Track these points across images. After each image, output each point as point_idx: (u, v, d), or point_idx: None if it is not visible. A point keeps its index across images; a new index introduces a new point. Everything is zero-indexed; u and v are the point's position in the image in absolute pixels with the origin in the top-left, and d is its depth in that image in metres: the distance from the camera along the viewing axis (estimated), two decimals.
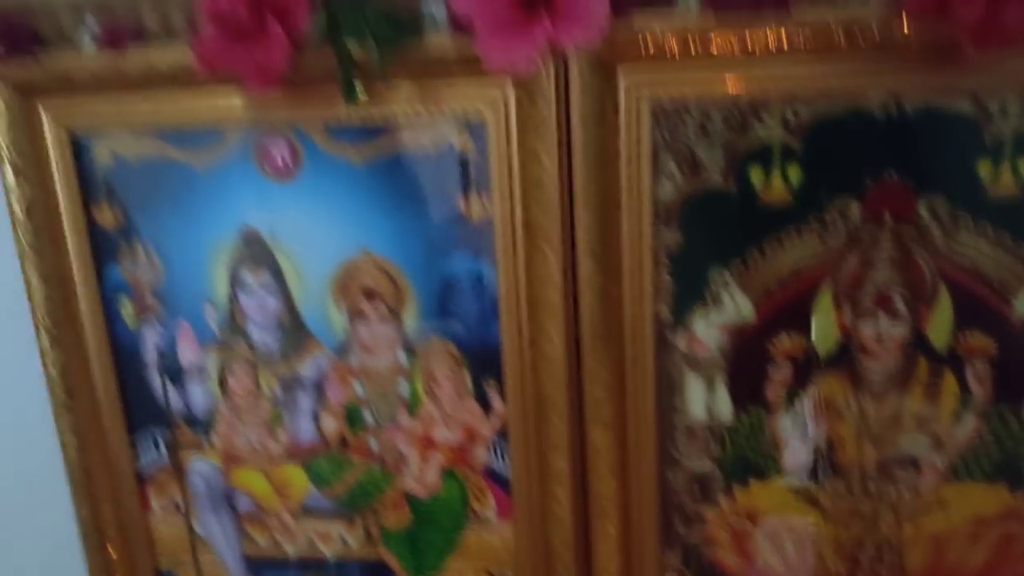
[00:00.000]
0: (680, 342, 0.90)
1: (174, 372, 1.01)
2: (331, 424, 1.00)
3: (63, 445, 1.03)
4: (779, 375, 0.90)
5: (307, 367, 0.98)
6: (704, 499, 0.95)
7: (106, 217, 0.97)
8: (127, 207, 0.96)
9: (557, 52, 0.79)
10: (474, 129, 0.87)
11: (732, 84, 0.82)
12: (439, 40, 0.83)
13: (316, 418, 1.00)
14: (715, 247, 0.87)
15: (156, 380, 1.02)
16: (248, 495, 1.04)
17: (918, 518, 0.92)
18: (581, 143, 0.84)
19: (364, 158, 0.90)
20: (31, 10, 0.89)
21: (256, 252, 0.95)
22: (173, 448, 1.04)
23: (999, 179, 0.82)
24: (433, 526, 1.01)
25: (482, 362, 0.94)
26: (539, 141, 0.85)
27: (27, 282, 0.97)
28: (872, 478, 0.92)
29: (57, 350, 1.00)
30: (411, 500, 1.01)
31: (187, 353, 1.00)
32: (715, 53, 0.80)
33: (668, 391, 0.92)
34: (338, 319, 0.96)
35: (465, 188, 0.89)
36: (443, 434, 0.98)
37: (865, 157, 0.83)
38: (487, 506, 0.99)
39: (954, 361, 0.87)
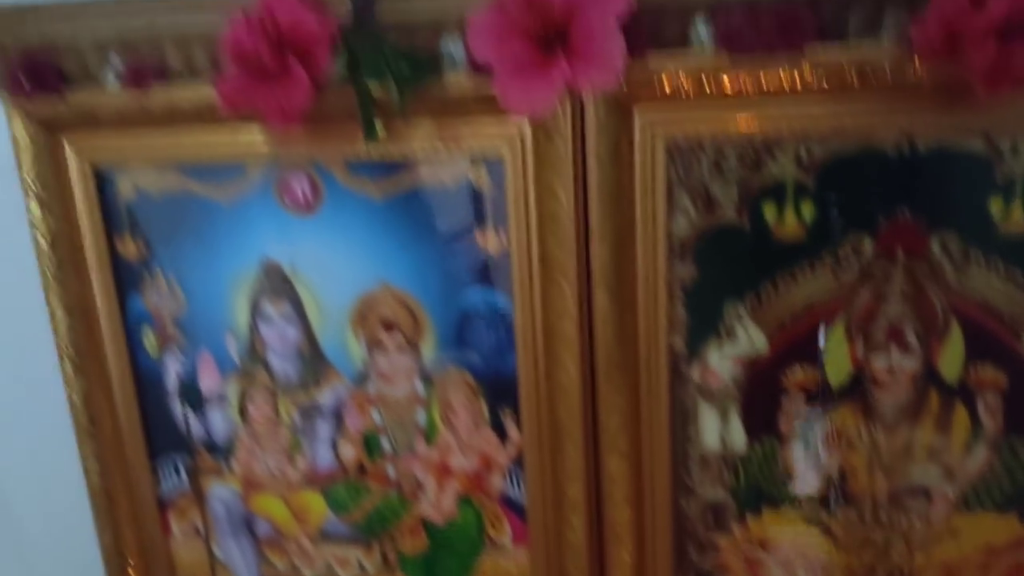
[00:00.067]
0: (694, 373, 0.92)
1: (195, 400, 1.02)
2: (349, 451, 1.01)
3: (86, 471, 1.05)
4: (792, 406, 0.91)
5: (326, 395, 1.00)
6: (717, 527, 0.96)
7: (129, 249, 0.98)
8: (150, 239, 0.98)
9: (574, 92, 0.81)
10: (491, 165, 0.89)
11: (746, 123, 0.83)
12: (457, 79, 0.84)
13: (334, 445, 1.01)
14: (729, 281, 0.89)
15: (177, 408, 1.03)
16: (267, 520, 1.06)
17: (929, 547, 0.93)
18: (597, 179, 0.86)
19: (383, 193, 0.92)
20: (57, 48, 0.91)
21: (276, 283, 0.97)
22: (194, 474, 1.06)
23: (1010, 216, 0.83)
24: (449, 552, 1.03)
25: (498, 391, 0.95)
26: (555, 177, 0.86)
27: (51, 312, 0.99)
28: (884, 507, 0.93)
29: (80, 378, 1.01)
30: (428, 526, 1.02)
31: (208, 381, 1.01)
32: (729, 92, 0.82)
33: (682, 421, 0.93)
34: (357, 349, 0.97)
35: (482, 222, 0.91)
36: (459, 462, 0.99)
37: (878, 194, 0.84)
38: (503, 532, 1.00)
39: (965, 393, 0.89)
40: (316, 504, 1.04)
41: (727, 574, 0.98)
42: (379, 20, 0.83)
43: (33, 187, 0.95)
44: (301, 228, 0.94)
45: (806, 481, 0.93)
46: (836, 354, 0.89)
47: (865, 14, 0.79)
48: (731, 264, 0.88)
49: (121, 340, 1.01)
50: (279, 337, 0.99)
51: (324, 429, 1.01)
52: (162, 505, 1.07)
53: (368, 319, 0.96)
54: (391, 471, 1.01)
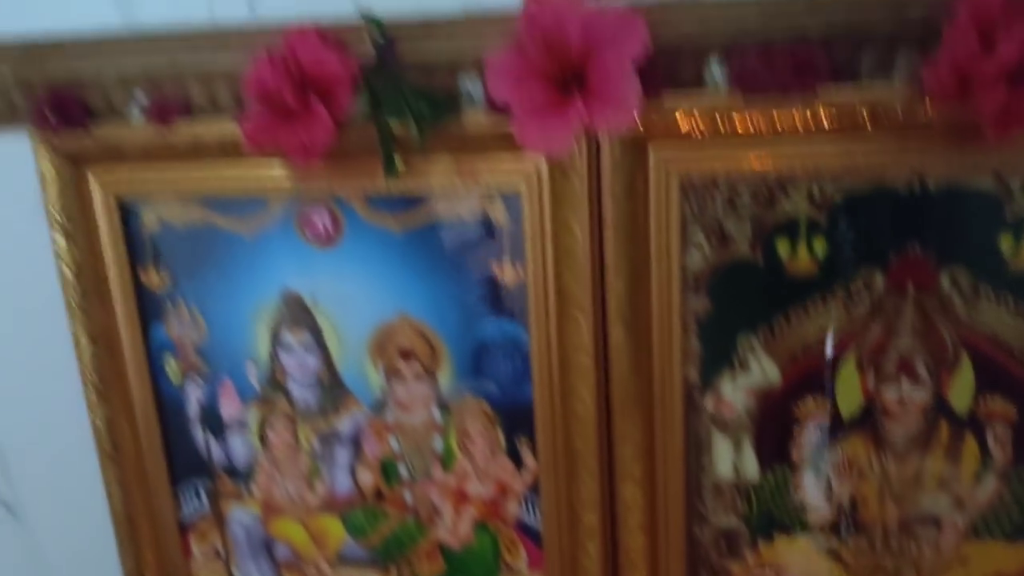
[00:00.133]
0: (708, 404, 0.93)
1: (216, 426, 1.04)
2: (367, 477, 1.03)
3: (108, 495, 1.07)
4: (804, 436, 0.93)
5: (345, 423, 1.02)
6: (730, 553, 0.98)
7: (152, 279, 1.00)
8: (173, 270, 1.00)
9: (590, 131, 0.82)
10: (508, 199, 0.91)
11: (759, 161, 0.85)
12: (475, 116, 0.86)
13: (353, 471, 1.03)
14: (742, 314, 0.90)
15: (199, 433, 1.05)
16: (286, 544, 1.08)
17: (939, 575, 0.95)
18: (612, 215, 0.87)
19: (403, 226, 0.93)
20: (82, 83, 0.93)
21: (297, 314, 0.98)
22: (214, 498, 1.07)
23: (1019, 253, 0.84)
24: None
25: (515, 420, 0.97)
26: (571, 213, 0.88)
27: (76, 340, 1.01)
28: (894, 535, 0.94)
29: (104, 405, 1.03)
30: (444, 550, 1.04)
31: (229, 408, 1.03)
32: (742, 131, 0.83)
33: (696, 450, 0.95)
34: (375, 377, 0.99)
35: (499, 255, 0.92)
36: (476, 488, 1.01)
37: (889, 230, 0.85)
38: (518, 558, 1.02)
39: (975, 424, 0.90)
40: (334, 528, 1.06)
41: None
42: (400, 61, 0.85)
43: (58, 219, 0.97)
44: (321, 260, 0.96)
45: (817, 509, 0.95)
46: (847, 385, 0.91)
47: (877, 55, 0.81)
48: (744, 298, 0.90)
49: (144, 368, 1.03)
50: (299, 365, 1.00)
51: (342, 455, 1.03)
52: (183, 528, 1.09)
53: (386, 348, 0.98)
54: (408, 496, 1.03)
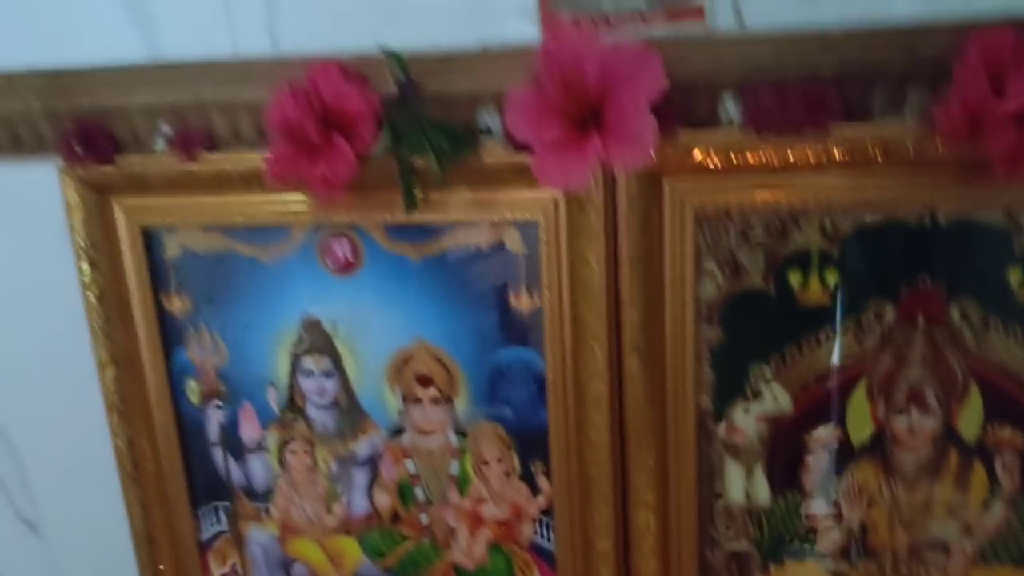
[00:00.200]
0: (720, 431, 0.95)
1: (236, 448, 1.06)
2: (384, 499, 1.05)
3: (129, 514, 1.09)
4: (814, 462, 0.94)
5: (362, 446, 1.03)
6: None
7: (174, 304, 1.02)
8: (194, 295, 1.02)
9: (607, 167, 0.84)
10: (525, 228, 0.92)
11: (772, 195, 0.86)
12: (494, 149, 0.88)
13: (370, 493, 1.05)
14: (755, 344, 0.92)
15: (219, 455, 1.07)
16: (304, 564, 1.09)
17: None
18: (628, 247, 0.89)
19: (421, 254, 0.95)
20: (108, 114, 0.95)
21: (316, 339, 1.00)
22: (233, 518, 1.09)
23: None
24: None
25: (530, 445, 0.99)
26: (588, 245, 0.89)
27: (99, 364, 1.03)
28: (903, 560, 0.96)
29: (126, 426, 1.05)
30: (459, 572, 1.05)
31: (249, 431, 1.05)
32: (755, 166, 0.85)
33: (708, 476, 0.96)
34: (393, 402, 1.01)
35: (516, 283, 0.94)
36: (491, 511, 1.02)
37: (900, 263, 0.87)
38: None
39: (983, 453, 0.91)
40: (351, 549, 1.07)
41: None
42: (421, 96, 0.86)
43: (83, 245, 0.99)
44: (341, 287, 0.98)
45: (828, 534, 0.96)
46: (858, 413, 0.92)
47: (889, 93, 0.82)
48: (757, 327, 0.91)
49: (165, 390, 1.05)
50: (318, 390, 1.02)
51: (360, 477, 1.05)
52: (202, 548, 1.11)
53: (404, 374, 1.00)
54: (424, 518, 1.05)
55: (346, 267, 0.97)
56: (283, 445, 1.05)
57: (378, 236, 0.95)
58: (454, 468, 1.02)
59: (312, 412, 1.03)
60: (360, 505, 1.05)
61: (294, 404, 1.03)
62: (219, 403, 1.05)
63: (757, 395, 0.93)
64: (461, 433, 1.01)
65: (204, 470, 1.08)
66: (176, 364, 1.04)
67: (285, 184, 0.89)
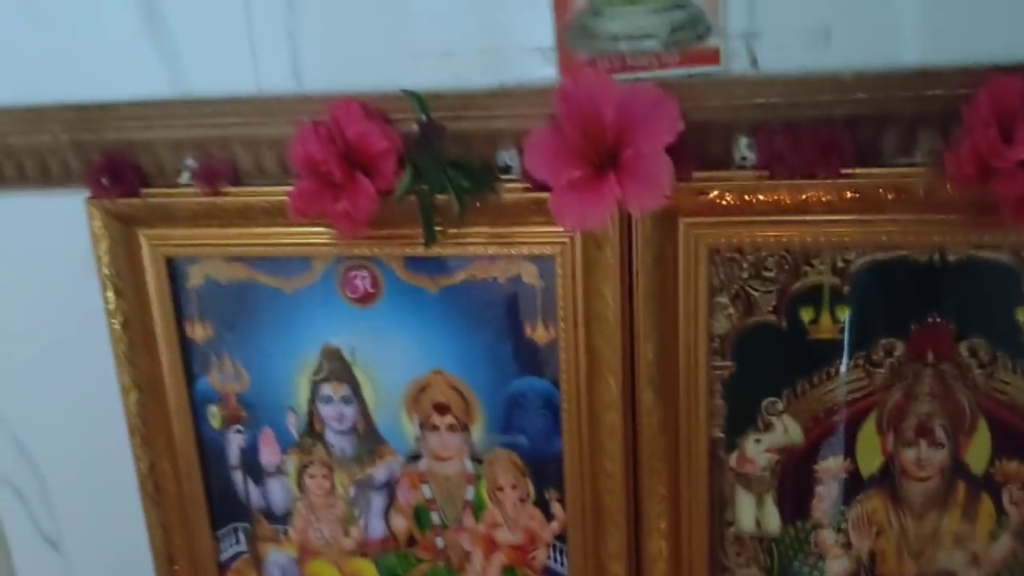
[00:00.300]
0: (732, 461, 0.97)
1: (256, 472, 1.08)
2: (401, 523, 1.07)
3: (150, 535, 1.11)
4: (824, 492, 0.96)
5: (380, 471, 1.05)
6: None
7: (197, 332, 1.04)
8: (217, 323, 1.04)
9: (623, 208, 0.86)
10: (542, 262, 0.94)
11: (785, 233, 0.88)
12: (512, 187, 0.90)
13: (387, 517, 1.07)
14: (766, 376, 0.93)
15: (239, 478, 1.09)
16: None
17: None
18: (643, 283, 0.91)
19: (439, 286, 0.97)
20: (134, 148, 0.97)
21: (336, 367, 1.02)
22: (252, 539, 1.11)
23: None
24: None
25: (544, 473, 1.01)
26: (603, 281, 0.91)
27: (123, 389, 1.05)
28: None
29: (148, 450, 1.07)
30: None
31: (268, 455, 1.07)
32: (769, 206, 0.87)
33: (720, 505, 0.98)
34: (410, 429, 1.03)
35: (532, 315, 0.96)
36: (505, 536, 1.04)
37: (910, 301, 0.89)
38: None
39: (991, 485, 0.93)
40: (368, 571, 1.09)
41: None
42: (442, 135, 0.88)
43: (108, 274, 1.01)
44: (360, 317, 1.00)
45: (837, 563, 0.98)
46: (867, 446, 0.94)
47: (900, 135, 0.84)
48: (769, 361, 0.93)
49: (187, 415, 1.07)
50: (337, 416, 1.04)
51: (377, 501, 1.07)
52: (221, 569, 1.13)
53: (421, 401, 1.02)
54: (440, 542, 1.07)
55: (365, 298, 0.99)
56: (302, 469, 1.07)
57: (397, 268, 0.98)
58: (469, 494, 1.04)
59: (331, 437, 1.06)
60: (377, 528, 1.08)
61: (313, 430, 1.06)
62: (240, 428, 1.07)
63: (768, 426, 0.95)
64: (477, 460, 1.03)
65: (224, 492, 1.10)
66: (198, 390, 1.07)
67: (308, 220, 0.91)
